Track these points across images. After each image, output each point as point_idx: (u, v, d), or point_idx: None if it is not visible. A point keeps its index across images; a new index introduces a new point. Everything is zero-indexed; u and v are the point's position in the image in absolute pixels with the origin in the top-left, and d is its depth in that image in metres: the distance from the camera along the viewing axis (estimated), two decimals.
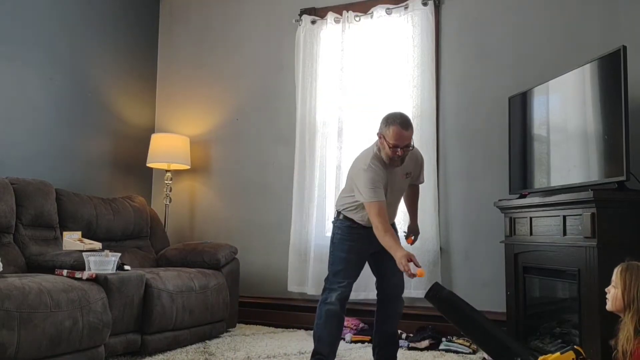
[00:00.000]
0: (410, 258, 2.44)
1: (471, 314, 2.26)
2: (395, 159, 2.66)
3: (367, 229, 2.70)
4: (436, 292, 2.29)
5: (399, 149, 2.62)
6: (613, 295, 1.97)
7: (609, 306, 1.99)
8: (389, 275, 2.82)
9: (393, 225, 2.88)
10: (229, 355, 3.12)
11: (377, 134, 2.73)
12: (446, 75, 3.94)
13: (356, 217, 2.81)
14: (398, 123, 2.63)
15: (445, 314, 2.31)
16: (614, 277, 1.99)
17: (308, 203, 4.08)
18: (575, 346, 2.00)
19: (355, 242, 2.79)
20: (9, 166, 3.50)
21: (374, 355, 2.92)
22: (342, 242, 2.82)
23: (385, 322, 2.88)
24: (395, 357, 2.89)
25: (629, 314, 1.90)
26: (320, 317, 2.76)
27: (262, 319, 4.15)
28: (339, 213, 2.88)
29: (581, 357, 1.95)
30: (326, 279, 2.84)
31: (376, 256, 2.81)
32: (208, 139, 4.66)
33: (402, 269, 2.45)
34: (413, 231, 3.07)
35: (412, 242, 3.10)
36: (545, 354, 2.01)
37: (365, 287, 3.86)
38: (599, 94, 2.92)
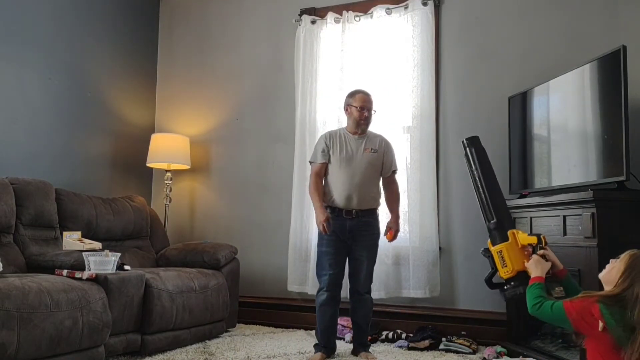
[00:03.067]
0: (326, 219, 3.07)
1: (491, 175, 2.42)
2: (362, 121, 3.21)
3: (342, 219, 3.13)
4: (474, 142, 2.47)
5: (365, 111, 3.20)
6: (615, 268, 1.92)
7: (602, 274, 1.97)
8: (354, 274, 3.20)
9: (373, 212, 3.22)
10: (229, 355, 3.12)
11: (344, 107, 3.31)
12: (446, 75, 3.94)
13: (336, 192, 3.17)
14: (361, 91, 3.30)
15: (470, 163, 2.46)
16: (622, 255, 1.94)
17: (308, 203, 4.07)
18: (541, 235, 2.19)
19: (332, 235, 3.14)
20: (9, 166, 3.50)
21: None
22: (322, 237, 3.19)
23: (355, 314, 3.22)
24: (366, 343, 3.26)
25: (610, 288, 1.88)
26: (316, 309, 3.19)
27: (261, 318, 4.15)
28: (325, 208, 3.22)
29: (541, 245, 2.16)
30: (316, 273, 3.24)
31: (349, 254, 3.20)
32: (208, 139, 4.66)
33: (319, 228, 3.10)
34: (391, 227, 3.26)
35: (391, 238, 3.26)
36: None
37: None
38: (599, 94, 2.92)
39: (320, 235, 3.20)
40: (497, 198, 2.38)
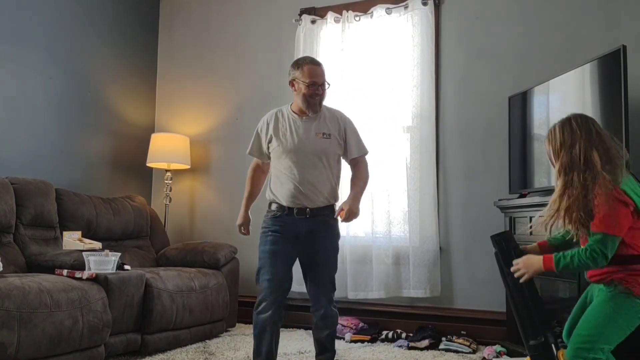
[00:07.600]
0: (242, 223, 2.80)
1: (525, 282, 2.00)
2: (314, 99, 2.56)
3: (293, 218, 2.57)
4: (504, 239, 2.10)
5: (317, 87, 2.55)
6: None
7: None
8: (313, 282, 2.68)
9: (331, 209, 2.66)
10: (229, 354, 3.12)
11: (289, 82, 2.63)
12: (446, 75, 3.94)
13: (281, 187, 2.62)
14: (309, 61, 2.61)
15: (500, 265, 2.08)
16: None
17: None
18: None
19: (278, 232, 2.59)
20: (9, 166, 3.50)
21: None
22: (265, 235, 2.62)
23: (319, 332, 2.68)
24: None
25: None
26: (254, 327, 2.58)
27: None
28: (269, 204, 2.71)
29: None
30: (255, 279, 2.64)
31: (304, 259, 2.68)
32: (208, 139, 4.66)
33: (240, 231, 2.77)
34: (342, 207, 2.61)
35: (343, 218, 2.60)
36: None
37: (364, 286, 3.87)
38: (599, 94, 2.92)
39: (263, 231, 2.64)
40: (542, 309, 1.98)
